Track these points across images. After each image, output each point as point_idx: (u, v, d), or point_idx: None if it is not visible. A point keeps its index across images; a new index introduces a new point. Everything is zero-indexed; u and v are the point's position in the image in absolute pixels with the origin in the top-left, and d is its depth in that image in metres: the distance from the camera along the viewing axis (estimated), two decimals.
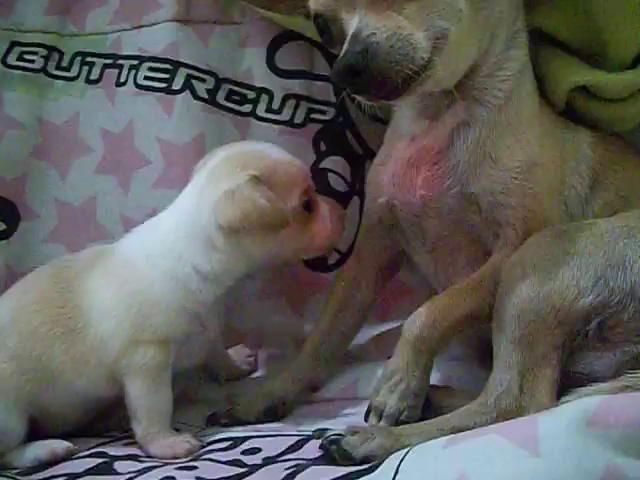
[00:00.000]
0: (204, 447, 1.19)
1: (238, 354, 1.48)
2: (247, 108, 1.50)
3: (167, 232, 1.23)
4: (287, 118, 1.49)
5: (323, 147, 1.49)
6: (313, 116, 1.49)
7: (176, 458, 1.16)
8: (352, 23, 1.01)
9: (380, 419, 1.12)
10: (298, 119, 1.49)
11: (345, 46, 0.99)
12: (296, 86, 1.49)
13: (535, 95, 1.21)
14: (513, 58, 1.17)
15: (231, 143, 1.33)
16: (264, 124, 1.49)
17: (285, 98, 1.49)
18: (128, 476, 1.08)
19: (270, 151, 1.25)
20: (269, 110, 1.50)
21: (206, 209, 1.18)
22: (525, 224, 1.14)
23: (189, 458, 1.15)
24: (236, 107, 1.51)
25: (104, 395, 1.25)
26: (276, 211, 1.16)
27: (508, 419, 0.95)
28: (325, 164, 1.49)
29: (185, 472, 1.07)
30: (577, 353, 1.04)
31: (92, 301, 1.21)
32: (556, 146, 1.19)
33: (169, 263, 1.20)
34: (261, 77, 1.50)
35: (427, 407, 1.16)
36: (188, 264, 1.19)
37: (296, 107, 1.49)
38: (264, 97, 1.50)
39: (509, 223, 1.14)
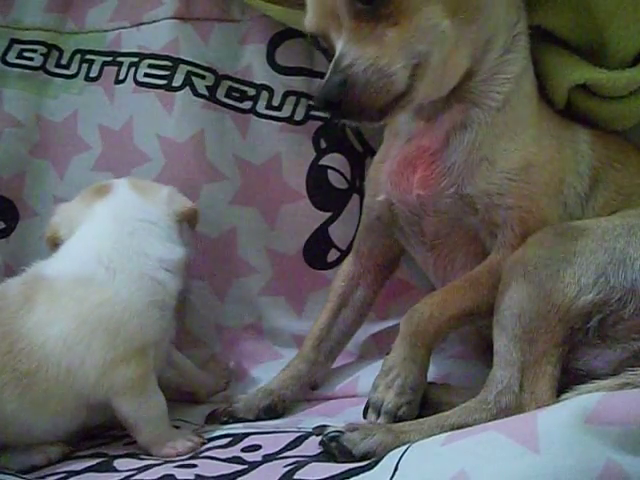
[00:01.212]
0: (205, 444, 1.19)
1: (213, 369, 1.47)
2: (247, 105, 1.50)
3: (122, 238, 1.22)
4: (287, 115, 1.49)
5: (323, 144, 1.49)
6: (313, 113, 1.49)
7: (179, 456, 1.15)
8: (338, 45, 1.04)
9: (379, 415, 1.13)
10: (298, 116, 1.49)
11: (327, 74, 1.02)
12: (296, 83, 1.49)
13: (534, 96, 1.21)
14: (512, 62, 1.17)
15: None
16: (264, 121, 1.49)
17: (285, 95, 1.49)
18: (127, 474, 1.08)
19: None
20: (269, 107, 1.49)
21: (157, 207, 1.29)
22: (522, 224, 1.14)
23: (189, 456, 1.15)
24: (236, 104, 1.51)
25: (77, 424, 1.21)
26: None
27: (508, 416, 0.95)
28: (325, 161, 1.49)
29: (185, 470, 1.07)
30: (577, 350, 1.04)
31: (45, 336, 1.14)
32: (555, 146, 1.19)
33: (135, 262, 1.20)
34: (261, 74, 1.50)
35: (426, 404, 1.16)
36: (154, 258, 1.22)
37: (296, 104, 1.49)
38: (264, 94, 1.50)
39: (506, 224, 1.15)
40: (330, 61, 1.10)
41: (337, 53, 1.03)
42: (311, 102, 1.48)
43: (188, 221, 1.34)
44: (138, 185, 1.33)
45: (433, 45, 1.04)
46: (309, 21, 1.10)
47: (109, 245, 1.21)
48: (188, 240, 1.33)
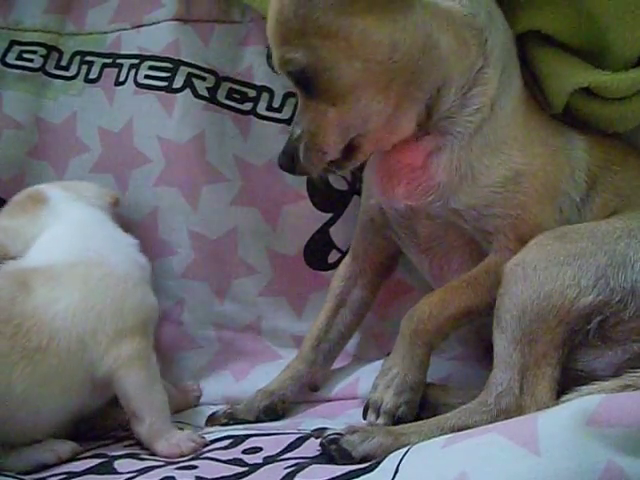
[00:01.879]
0: (207, 445, 1.19)
1: (183, 387, 1.47)
2: (248, 106, 1.50)
3: (95, 232, 1.32)
4: (288, 116, 1.48)
5: None
6: None
7: (183, 456, 1.15)
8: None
9: (378, 415, 1.13)
10: None
11: (286, 140, 1.18)
12: None
13: (520, 109, 1.19)
14: (478, 95, 1.15)
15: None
16: (265, 122, 1.49)
17: (286, 96, 1.49)
18: (128, 476, 1.07)
19: None
20: (270, 108, 1.50)
21: (96, 206, 1.37)
22: (516, 231, 1.15)
23: (189, 457, 1.15)
24: (237, 105, 1.51)
25: (80, 406, 1.22)
26: None
27: (508, 418, 0.95)
28: None
29: (185, 472, 1.07)
30: (578, 351, 1.04)
31: (53, 312, 1.17)
32: (547, 154, 1.19)
33: (118, 249, 1.30)
34: (262, 75, 1.50)
35: (424, 406, 1.17)
36: (128, 244, 1.34)
37: (297, 105, 1.48)
38: (265, 95, 1.50)
39: (498, 231, 1.16)
40: None
41: (293, 121, 1.18)
42: None
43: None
44: (66, 188, 1.40)
45: (368, 121, 1.12)
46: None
47: (90, 237, 1.29)
48: None
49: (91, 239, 1.29)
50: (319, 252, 1.52)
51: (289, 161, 1.16)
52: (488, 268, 1.15)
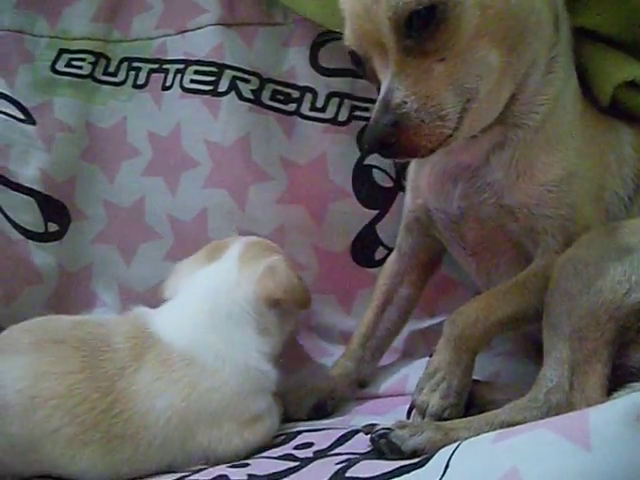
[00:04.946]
0: None
1: None
2: (291, 107, 1.52)
3: (221, 322, 1.21)
4: (331, 116, 1.50)
5: None
6: (357, 113, 1.50)
7: None
8: (383, 77, 1.01)
9: (424, 417, 1.12)
10: (342, 117, 1.50)
11: (375, 113, 0.99)
12: (339, 84, 1.50)
13: (577, 107, 1.18)
14: (551, 83, 1.14)
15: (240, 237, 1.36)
16: (309, 122, 1.51)
17: (329, 96, 1.50)
18: (182, 474, 1.10)
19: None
20: (313, 109, 1.51)
21: (248, 290, 1.23)
22: (564, 232, 1.13)
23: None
24: (281, 106, 1.52)
25: None
26: (305, 289, 1.27)
27: (558, 414, 0.94)
28: (369, 160, 1.50)
29: (238, 469, 1.08)
30: (629, 348, 1.03)
31: (150, 406, 1.11)
32: (597, 154, 1.17)
33: (240, 353, 1.19)
34: (305, 76, 1.51)
35: (470, 403, 1.16)
36: (255, 350, 1.21)
37: (340, 105, 1.50)
38: (308, 96, 1.51)
39: (547, 232, 1.13)
40: (363, 74, 1.10)
41: (384, 88, 1.00)
42: (354, 102, 1.49)
43: (275, 306, 1.25)
44: (249, 251, 1.29)
45: (481, 79, 1.01)
46: (349, 40, 1.07)
47: (211, 326, 1.20)
48: (283, 328, 1.28)
49: (215, 335, 1.19)
50: (366, 249, 1.53)
51: (391, 133, 0.97)
52: (536, 272, 1.13)
